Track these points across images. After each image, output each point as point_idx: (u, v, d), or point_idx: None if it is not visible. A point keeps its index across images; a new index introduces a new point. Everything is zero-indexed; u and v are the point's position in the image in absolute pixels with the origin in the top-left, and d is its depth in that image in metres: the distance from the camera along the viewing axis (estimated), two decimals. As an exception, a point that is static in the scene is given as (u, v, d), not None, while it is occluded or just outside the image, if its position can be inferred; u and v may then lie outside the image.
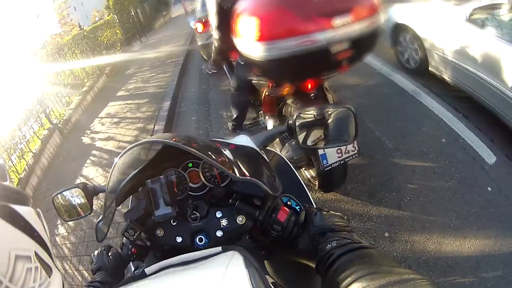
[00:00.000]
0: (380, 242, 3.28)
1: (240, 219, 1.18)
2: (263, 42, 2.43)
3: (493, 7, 4.65)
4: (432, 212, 3.51)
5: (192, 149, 1.03)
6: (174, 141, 1.09)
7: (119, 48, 13.73)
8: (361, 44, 2.60)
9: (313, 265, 1.02)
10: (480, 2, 4.73)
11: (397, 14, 5.80)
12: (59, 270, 0.61)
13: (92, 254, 1.35)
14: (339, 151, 2.95)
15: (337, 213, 1.14)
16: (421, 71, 5.64)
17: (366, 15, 2.50)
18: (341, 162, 2.98)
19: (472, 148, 4.21)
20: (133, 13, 18.08)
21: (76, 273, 3.93)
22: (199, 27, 7.47)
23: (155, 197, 1.20)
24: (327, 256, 0.94)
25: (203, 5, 8.33)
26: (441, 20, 5.08)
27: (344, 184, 3.59)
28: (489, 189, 3.69)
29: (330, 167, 2.95)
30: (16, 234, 0.49)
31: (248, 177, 1.10)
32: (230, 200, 1.23)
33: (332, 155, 2.94)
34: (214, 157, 1.09)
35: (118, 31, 14.45)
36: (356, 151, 3.00)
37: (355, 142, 2.88)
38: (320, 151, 2.89)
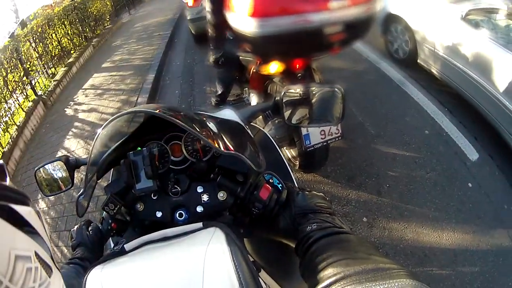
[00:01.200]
0: (358, 227, 3.30)
1: (221, 195, 1.16)
2: (257, 18, 2.39)
3: (490, 10, 4.74)
4: (411, 201, 3.55)
5: (176, 120, 1.01)
6: (158, 111, 1.06)
7: (108, 19, 13.52)
8: (355, 29, 2.60)
9: (293, 245, 1.01)
10: (477, 4, 4.77)
11: (391, 4, 5.80)
12: (59, 269, 0.60)
13: (71, 230, 1.31)
14: (322, 132, 2.95)
15: (319, 194, 1.12)
16: (409, 62, 5.69)
17: (363, 0, 2.49)
18: (324, 143, 2.99)
19: (455, 142, 4.26)
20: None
21: (55, 249, 3.83)
22: (190, 1, 7.40)
23: (137, 170, 1.17)
24: (307, 237, 0.93)
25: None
26: (435, 15, 5.11)
27: (324, 166, 3.60)
28: (470, 185, 3.74)
29: (313, 148, 2.95)
30: (16, 234, 0.47)
31: (233, 152, 1.08)
32: (212, 175, 1.20)
33: (315, 136, 2.94)
34: (198, 130, 1.06)
35: (108, 2, 14.19)
36: (339, 134, 3.01)
37: (339, 125, 2.91)
38: (304, 131, 2.89)
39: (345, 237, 0.90)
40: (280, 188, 1.13)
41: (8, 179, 0.56)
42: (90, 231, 1.25)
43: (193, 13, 7.29)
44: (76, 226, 1.31)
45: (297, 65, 2.91)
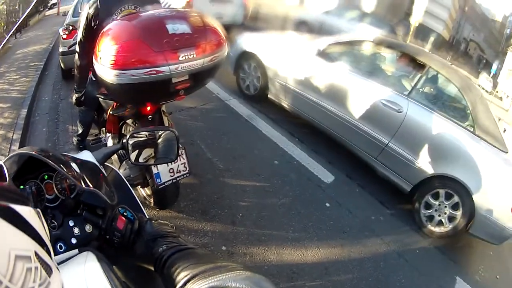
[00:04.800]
0: (218, 256, 3.36)
1: (88, 227, 1.27)
2: (117, 68, 2.51)
3: (352, 43, 5.28)
4: (266, 226, 3.72)
5: (49, 161, 1.13)
6: (34, 153, 1.18)
7: (-2, 41, 12.71)
8: (200, 77, 2.83)
9: (151, 267, 1.17)
10: (338, 39, 5.28)
11: (246, 42, 6.09)
12: (58, 269, 0.64)
13: None
14: (171, 170, 3.12)
15: (164, 222, 1.36)
16: (259, 97, 6.03)
17: (209, 50, 2.72)
18: (173, 180, 3.15)
19: (307, 169, 4.58)
20: (17, 6, 16.97)
21: None
22: (64, 34, 7.19)
23: None
24: (161, 256, 1.10)
25: (75, 10, 8.06)
26: (290, 51, 5.48)
27: (177, 202, 3.67)
28: (327, 204, 4.05)
29: (164, 185, 3.10)
30: (16, 234, 0.49)
31: (91, 188, 1.22)
32: (79, 211, 1.32)
33: (165, 174, 3.09)
34: (64, 170, 1.18)
35: (2, 23, 13.43)
36: (187, 171, 3.19)
37: (186, 162, 3.15)
38: (154, 170, 3.03)
39: (191, 251, 1.10)
40: (133, 219, 1.30)
41: (8, 179, 0.61)
42: None
43: (65, 47, 6.94)
44: None
45: (148, 108, 3.06)
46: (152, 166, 3.00)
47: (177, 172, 3.15)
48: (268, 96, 5.87)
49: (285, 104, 5.55)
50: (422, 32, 18.29)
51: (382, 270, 3.45)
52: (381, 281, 3.36)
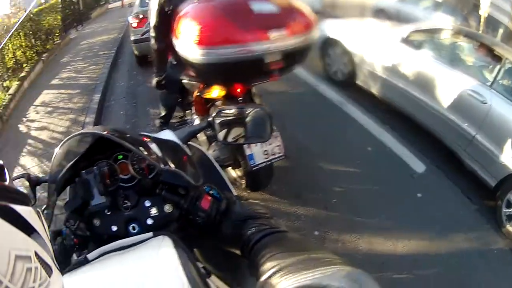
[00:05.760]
0: (312, 241, 3.26)
1: (167, 208, 1.23)
2: (202, 47, 2.50)
3: (433, 31, 5.02)
4: (359, 213, 3.61)
5: (123, 142, 1.12)
6: (106, 133, 1.16)
7: (57, 34, 13.13)
8: (293, 57, 2.78)
9: (237, 251, 1.09)
10: (418, 26, 5.13)
11: (329, 29, 6.03)
12: (59, 269, 0.61)
13: None
14: (265, 152, 3.04)
15: (255, 201, 1.30)
16: (348, 83, 5.91)
17: (300, 31, 2.68)
18: (268, 162, 3.07)
19: (399, 157, 4.41)
20: (74, -1, 17.48)
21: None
22: (134, 22, 7.41)
23: (90, 188, 1.24)
24: (248, 240, 1.01)
25: (142, 0, 8.28)
26: (374, 38, 5.40)
27: (270, 184, 3.60)
28: (419, 195, 3.87)
29: (258, 167, 3.03)
30: (16, 234, 0.48)
31: (172, 168, 1.19)
32: (157, 190, 1.27)
33: (259, 156, 3.02)
34: (141, 150, 1.18)
35: (59, 17, 13.84)
36: (282, 153, 3.11)
37: (281, 145, 3.07)
38: (248, 151, 2.97)
39: (282, 235, 0.99)
40: (220, 198, 1.23)
41: (8, 179, 0.55)
42: (56, 246, 1.24)
43: (137, 35, 7.22)
44: None
45: (238, 90, 3.02)
46: (245, 148, 2.96)
47: (272, 154, 3.09)
48: (356, 82, 5.78)
49: (373, 90, 5.44)
50: (492, 23, 17.66)
51: (465, 269, 3.23)
52: (462, 280, 3.14)
